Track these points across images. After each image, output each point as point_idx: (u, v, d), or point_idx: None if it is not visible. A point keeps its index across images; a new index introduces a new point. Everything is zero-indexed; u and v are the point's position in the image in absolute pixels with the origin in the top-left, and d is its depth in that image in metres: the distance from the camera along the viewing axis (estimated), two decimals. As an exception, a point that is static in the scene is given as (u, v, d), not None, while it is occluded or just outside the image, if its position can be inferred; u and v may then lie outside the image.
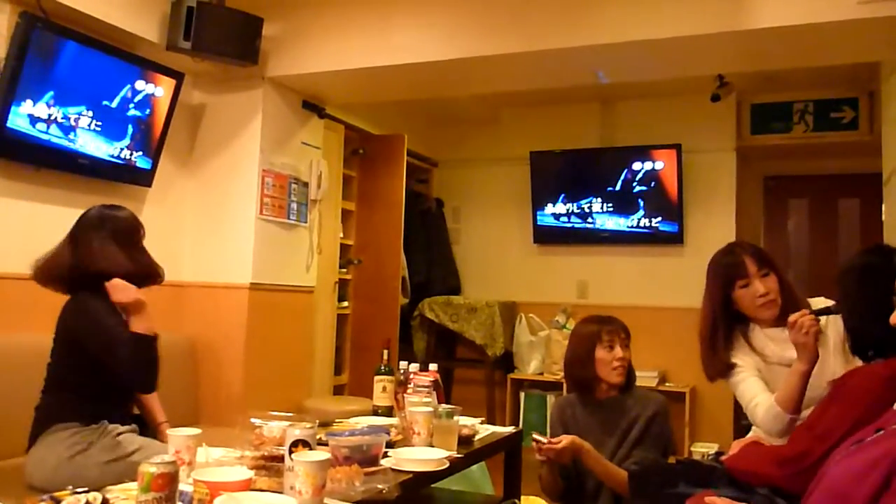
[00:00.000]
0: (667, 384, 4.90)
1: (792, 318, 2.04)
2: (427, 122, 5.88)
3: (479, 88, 4.34)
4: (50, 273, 2.50)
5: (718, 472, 1.98)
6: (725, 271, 2.30)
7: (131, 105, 3.47)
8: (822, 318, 2.07)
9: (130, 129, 3.49)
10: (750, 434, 2.32)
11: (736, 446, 2.20)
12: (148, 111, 3.55)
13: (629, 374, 2.58)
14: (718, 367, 2.28)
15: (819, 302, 2.23)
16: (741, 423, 2.80)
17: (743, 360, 2.26)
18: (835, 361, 2.16)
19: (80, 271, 2.46)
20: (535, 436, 2.43)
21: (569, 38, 3.31)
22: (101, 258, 2.47)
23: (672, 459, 2.45)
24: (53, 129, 3.14)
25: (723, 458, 2.11)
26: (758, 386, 2.20)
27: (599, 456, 2.41)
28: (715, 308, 2.32)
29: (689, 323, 5.22)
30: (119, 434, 2.43)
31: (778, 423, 2.09)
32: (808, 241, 5.65)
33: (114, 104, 3.39)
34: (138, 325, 2.43)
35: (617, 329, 2.58)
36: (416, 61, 3.59)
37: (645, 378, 4.50)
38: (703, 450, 4.42)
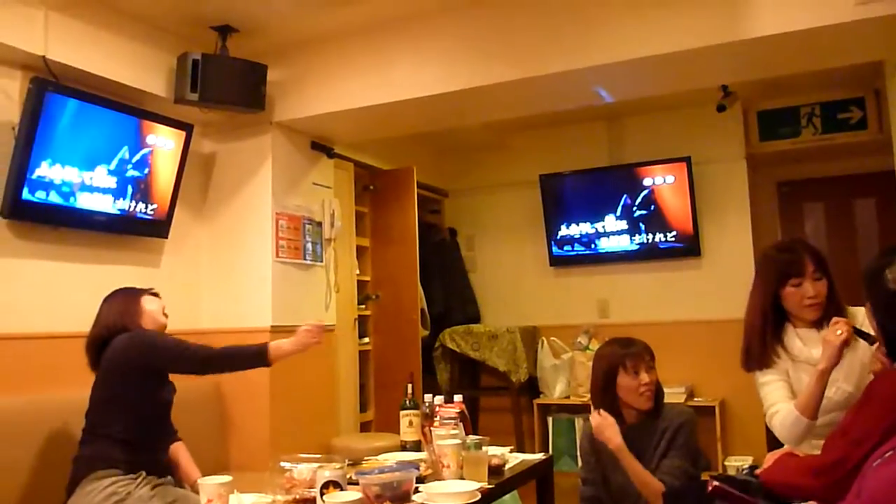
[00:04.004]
0: (695, 399, 4.85)
1: (836, 318, 2.09)
2: (435, 152, 5.92)
3: (482, 117, 4.37)
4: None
5: (754, 487, 1.95)
6: (783, 267, 2.29)
7: (144, 159, 3.52)
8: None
9: (144, 183, 3.54)
10: (785, 446, 2.29)
11: (770, 458, 2.17)
12: (160, 164, 3.60)
13: (658, 395, 2.54)
14: (765, 357, 2.27)
15: (861, 312, 2.21)
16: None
17: (775, 360, 2.28)
18: (861, 373, 2.16)
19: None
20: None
21: (567, 61, 3.33)
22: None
23: (705, 476, 2.42)
24: (70, 188, 3.19)
25: (758, 471, 2.09)
26: (781, 394, 2.22)
27: (634, 460, 2.40)
28: (765, 302, 2.31)
29: (713, 335, 5.18)
30: (156, 485, 2.45)
31: (795, 429, 2.11)
32: (827, 243, 5.60)
33: (127, 159, 3.44)
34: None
35: (640, 353, 2.53)
36: (418, 96, 3.63)
37: (673, 394, 4.44)
38: (736, 464, 4.35)
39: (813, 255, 2.29)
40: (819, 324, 2.25)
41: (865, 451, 1.64)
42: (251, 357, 2.67)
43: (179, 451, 2.82)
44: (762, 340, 2.29)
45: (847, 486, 1.60)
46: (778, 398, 2.21)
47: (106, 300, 2.73)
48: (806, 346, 2.25)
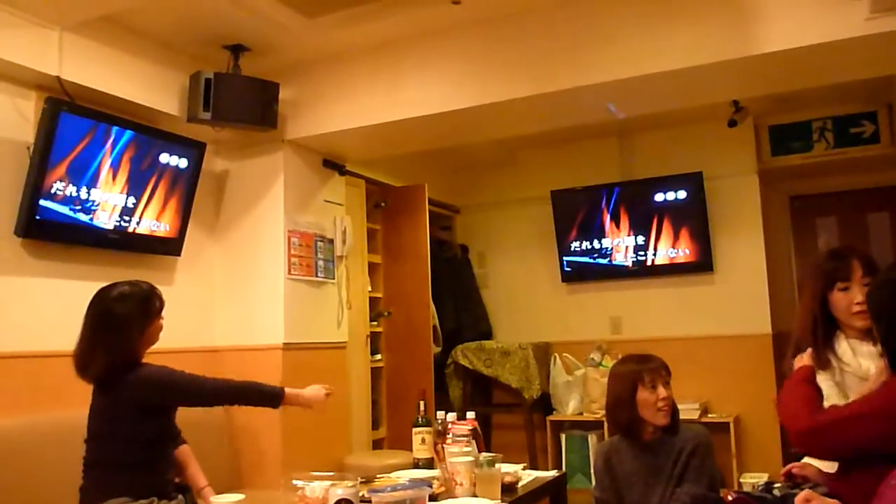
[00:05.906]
0: (709, 415, 4.80)
1: None
2: (446, 169, 5.93)
3: (493, 134, 4.38)
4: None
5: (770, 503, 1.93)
6: (830, 271, 2.26)
7: (158, 177, 3.55)
8: None
9: (157, 201, 3.56)
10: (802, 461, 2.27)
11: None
12: (173, 182, 3.63)
13: (673, 412, 2.53)
14: (817, 359, 2.21)
15: None
16: (790, 450, 2.73)
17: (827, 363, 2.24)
18: None
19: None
20: None
21: (578, 77, 3.34)
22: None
23: (723, 492, 2.40)
24: (84, 207, 3.23)
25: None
26: (831, 391, 2.17)
27: None
28: (814, 305, 2.27)
29: (727, 350, 5.14)
30: None
31: None
32: (840, 258, 5.57)
33: (140, 178, 3.47)
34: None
35: (658, 368, 2.53)
36: (429, 113, 3.65)
37: (687, 411, 4.40)
38: (752, 480, 4.31)
39: (863, 259, 2.24)
40: (871, 333, 2.16)
41: (845, 416, 1.79)
42: (265, 397, 2.66)
43: (185, 456, 2.73)
44: (814, 342, 2.23)
45: (826, 443, 1.81)
46: (830, 394, 2.14)
47: (121, 321, 2.53)
48: (855, 356, 2.19)
